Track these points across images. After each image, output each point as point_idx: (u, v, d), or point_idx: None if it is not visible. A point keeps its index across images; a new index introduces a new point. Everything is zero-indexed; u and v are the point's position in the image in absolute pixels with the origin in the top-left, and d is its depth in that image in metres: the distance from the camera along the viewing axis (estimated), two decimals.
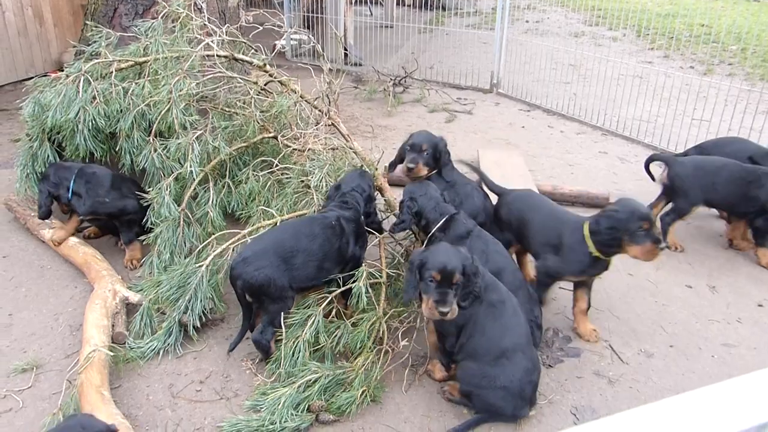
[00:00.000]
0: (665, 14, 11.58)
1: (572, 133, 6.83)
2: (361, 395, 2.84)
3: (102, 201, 3.86)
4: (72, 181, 3.85)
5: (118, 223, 3.99)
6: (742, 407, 0.79)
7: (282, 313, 3.03)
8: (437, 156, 3.87)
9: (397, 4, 11.78)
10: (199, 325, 3.25)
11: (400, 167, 3.96)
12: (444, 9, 12.77)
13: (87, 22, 4.66)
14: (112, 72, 4.00)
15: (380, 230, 3.59)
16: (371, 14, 12.06)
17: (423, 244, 3.53)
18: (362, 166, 4.01)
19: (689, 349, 3.42)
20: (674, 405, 0.80)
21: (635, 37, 11.15)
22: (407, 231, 4.00)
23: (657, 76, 7.32)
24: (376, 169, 4.08)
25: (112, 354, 2.97)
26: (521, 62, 8.18)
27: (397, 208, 3.98)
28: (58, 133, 4.01)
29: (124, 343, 3.17)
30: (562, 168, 5.81)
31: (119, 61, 4.06)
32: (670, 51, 10.15)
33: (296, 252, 3.07)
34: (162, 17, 4.20)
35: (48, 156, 4.11)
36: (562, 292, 3.86)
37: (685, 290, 3.95)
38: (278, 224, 3.50)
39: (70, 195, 3.85)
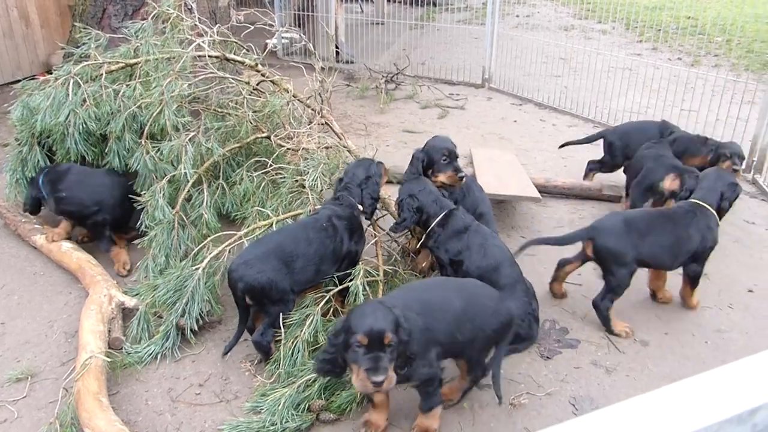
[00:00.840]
0: (653, 7, 11.62)
1: (564, 126, 6.84)
2: (360, 393, 2.84)
3: (61, 196, 3.81)
4: (41, 181, 3.83)
5: (86, 229, 3.94)
6: (735, 393, 0.80)
7: (282, 314, 3.03)
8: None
9: (388, 0, 11.76)
10: (196, 328, 3.23)
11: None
12: (434, 5, 12.76)
13: (75, 23, 4.63)
14: (102, 74, 3.97)
15: (368, 215, 3.53)
16: (362, 11, 12.03)
17: (419, 242, 3.54)
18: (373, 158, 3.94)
19: (683, 336, 3.45)
20: (669, 393, 0.81)
21: (624, 29, 11.19)
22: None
23: (646, 68, 7.34)
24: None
25: (109, 360, 2.95)
26: (512, 57, 8.19)
27: (392, 206, 3.99)
28: (48, 137, 3.98)
29: (121, 349, 3.14)
30: (555, 161, 5.83)
31: (109, 63, 4.04)
32: (658, 43, 10.19)
33: (296, 256, 3.08)
34: (152, 18, 4.17)
35: (38, 161, 4.07)
36: None
37: (678, 278, 3.96)
38: (275, 228, 3.49)
39: (45, 194, 3.83)
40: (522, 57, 8.11)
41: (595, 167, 5.28)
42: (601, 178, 5.32)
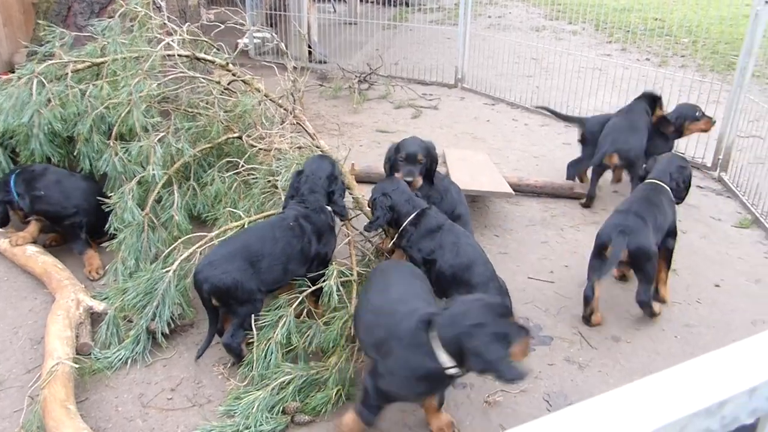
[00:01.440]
0: (621, 8, 11.79)
1: (536, 125, 6.90)
2: (335, 394, 2.82)
3: (38, 195, 3.73)
4: (12, 182, 3.74)
5: (62, 231, 3.87)
6: (704, 386, 0.82)
7: (252, 315, 3.00)
8: (431, 163, 3.82)
9: (361, 0, 11.74)
10: (167, 332, 3.17)
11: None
12: (407, 5, 12.77)
13: (39, 21, 4.52)
14: (67, 73, 3.88)
15: (343, 215, 3.51)
16: (335, 11, 11.99)
17: (392, 241, 3.53)
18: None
19: (653, 332, 3.51)
20: (640, 388, 0.82)
21: (594, 30, 11.33)
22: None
23: (615, 68, 7.44)
24: (343, 166, 4.05)
25: (77, 366, 2.88)
26: (485, 57, 8.23)
27: (366, 206, 3.97)
28: (11, 138, 3.88)
29: (90, 354, 3.07)
30: (527, 160, 5.87)
31: (75, 62, 3.95)
32: (627, 44, 10.34)
33: (262, 256, 3.03)
34: (119, 16, 4.09)
35: (0, 162, 3.97)
36: (531, 281, 3.91)
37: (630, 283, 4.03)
38: (242, 228, 3.45)
39: (15, 196, 3.74)
40: (494, 57, 8.16)
41: (575, 169, 5.31)
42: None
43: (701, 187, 5.40)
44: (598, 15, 10.82)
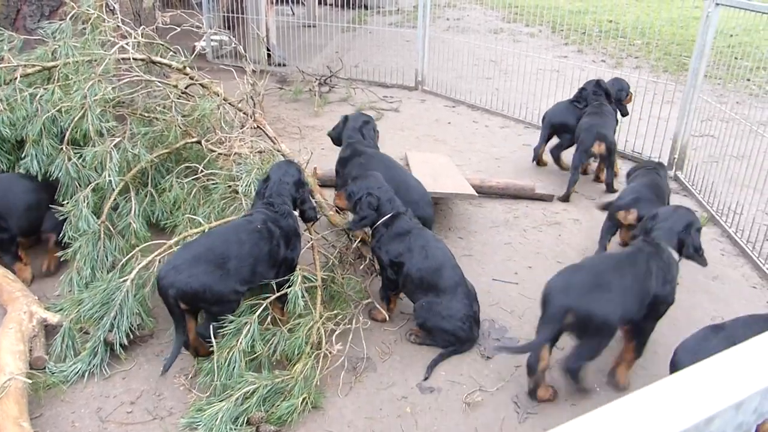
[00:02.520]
0: (576, 11, 12.03)
1: (496, 127, 6.96)
2: (301, 403, 2.78)
3: None
4: None
5: None
6: (691, 402, 0.81)
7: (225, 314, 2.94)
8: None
9: (319, 3, 11.68)
10: (126, 343, 3.08)
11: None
12: (366, 8, 12.76)
13: None
14: (16, 77, 3.74)
15: (314, 219, 3.50)
16: (293, 14, 11.90)
17: (354, 243, 3.51)
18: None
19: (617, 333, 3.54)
20: (625, 405, 0.81)
21: (550, 33, 11.52)
22: (339, 232, 3.97)
23: (572, 70, 7.56)
24: (306, 170, 4.01)
25: (30, 381, 2.76)
26: (444, 59, 8.27)
27: (328, 210, 3.94)
28: None
29: (44, 368, 2.95)
30: (489, 162, 5.92)
31: (24, 65, 3.81)
32: (583, 46, 10.55)
33: (227, 258, 2.97)
34: (71, 19, 3.96)
35: None
36: (496, 284, 3.93)
37: None
38: (205, 232, 3.38)
39: None
40: (454, 59, 8.21)
41: (557, 151, 5.71)
42: (535, 178, 5.43)
43: None
44: (554, 17, 11.02)
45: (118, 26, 4.12)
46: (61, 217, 3.55)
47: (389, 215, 3.37)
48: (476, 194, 4.62)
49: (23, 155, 3.68)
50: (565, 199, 5.17)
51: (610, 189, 5.33)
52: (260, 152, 4.11)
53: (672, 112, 5.88)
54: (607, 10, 11.98)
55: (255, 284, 3.13)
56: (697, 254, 3.15)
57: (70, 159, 3.63)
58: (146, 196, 3.87)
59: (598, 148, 5.12)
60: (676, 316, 3.69)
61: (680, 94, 5.79)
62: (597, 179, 5.57)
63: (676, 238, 3.12)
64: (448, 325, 3.21)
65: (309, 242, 3.58)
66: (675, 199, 5.27)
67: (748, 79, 7.40)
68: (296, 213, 3.41)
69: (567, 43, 10.78)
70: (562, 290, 2.88)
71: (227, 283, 2.95)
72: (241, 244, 3.04)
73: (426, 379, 3.10)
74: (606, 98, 5.56)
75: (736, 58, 6.58)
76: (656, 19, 9.73)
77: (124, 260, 3.36)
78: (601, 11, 11.97)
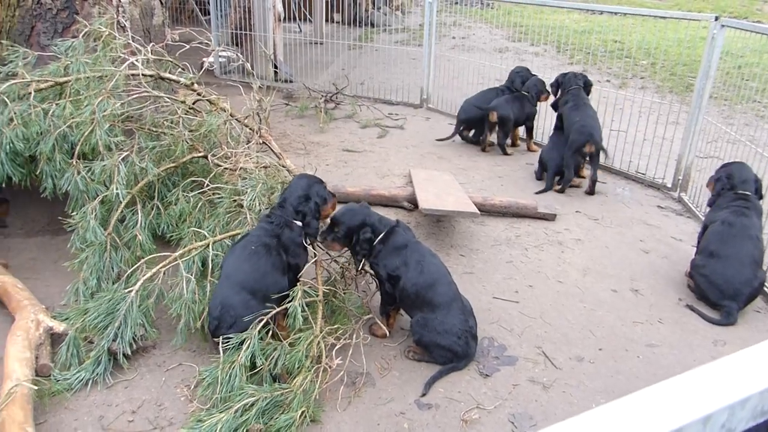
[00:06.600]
0: (582, 30, 12.12)
1: None
2: (300, 416, 2.81)
3: None
4: None
5: None
6: (667, 410, 0.83)
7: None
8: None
9: (326, 20, 11.83)
10: (129, 353, 3.13)
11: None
12: (373, 26, 12.92)
13: (2, 40, 4.45)
14: (30, 93, 3.83)
15: (312, 236, 3.52)
16: (300, 31, 12.05)
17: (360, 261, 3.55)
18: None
19: (617, 351, 3.56)
20: (604, 412, 0.84)
21: (555, 52, 11.61)
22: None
23: None
24: None
25: (36, 388, 2.81)
26: (450, 77, 8.36)
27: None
28: None
29: (49, 376, 3.01)
30: (492, 180, 5.97)
31: (38, 81, 3.90)
32: (588, 65, 10.63)
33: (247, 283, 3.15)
34: (83, 36, 4.06)
35: None
36: (496, 302, 3.96)
37: (611, 294, 4.12)
38: (211, 249, 3.46)
39: None
40: (459, 78, 8.30)
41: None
42: (539, 198, 5.48)
43: (662, 208, 5.55)
44: (560, 37, 11.11)
45: (128, 43, 4.21)
46: (69, 228, 3.62)
47: (384, 232, 3.42)
48: (479, 212, 4.67)
49: (38, 172, 3.76)
50: (561, 191, 5.72)
51: (593, 188, 5.69)
52: (265, 167, 4.17)
53: (677, 132, 5.91)
54: (613, 30, 12.07)
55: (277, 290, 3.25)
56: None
57: (79, 173, 3.70)
58: (152, 209, 3.94)
59: (589, 148, 5.52)
60: (678, 339, 3.71)
61: (686, 114, 5.83)
62: (578, 175, 5.88)
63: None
64: (443, 341, 3.24)
65: (313, 257, 3.63)
66: (679, 222, 5.30)
67: (756, 101, 7.42)
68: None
69: (572, 62, 10.86)
70: None
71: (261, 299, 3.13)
72: (253, 264, 3.19)
73: (424, 395, 3.12)
74: (584, 89, 6.04)
75: (744, 80, 6.62)
76: (662, 39, 9.78)
77: (129, 271, 3.42)
78: (607, 31, 12.06)
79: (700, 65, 5.39)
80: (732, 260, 3.95)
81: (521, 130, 6.93)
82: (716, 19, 5.18)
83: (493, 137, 6.75)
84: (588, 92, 6.07)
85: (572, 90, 5.98)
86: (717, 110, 7.67)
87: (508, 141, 6.80)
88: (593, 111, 5.83)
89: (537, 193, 5.69)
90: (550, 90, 6.49)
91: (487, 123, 6.58)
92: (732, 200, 4.20)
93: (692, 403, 0.86)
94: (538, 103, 6.64)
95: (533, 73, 6.86)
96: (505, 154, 6.65)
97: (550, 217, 5.17)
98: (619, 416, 0.82)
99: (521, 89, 6.67)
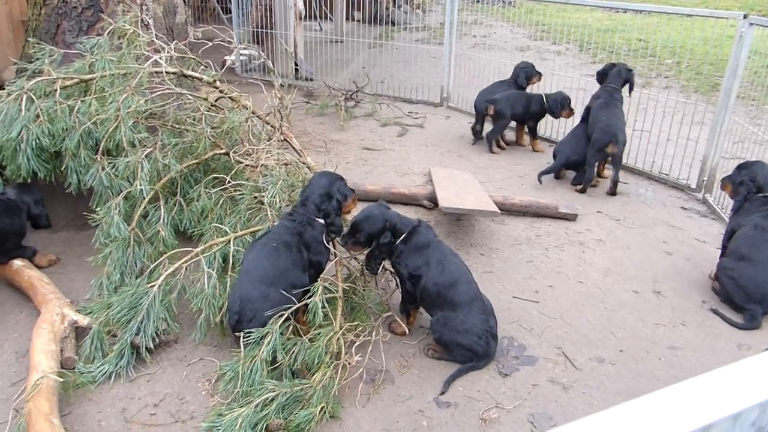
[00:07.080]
0: (605, 29, 12.00)
1: None
2: (319, 412, 2.82)
3: None
4: None
5: None
6: (689, 410, 0.83)
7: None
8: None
9: (347, 19, 11.86)
10: (152, 347, 3.18)
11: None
12: (393, 24, 12.92)
13: (29, 38, 4.52)
14: (56, 90, 3.89)
15: (336, 233, 3.54)
16: (321, 29, 12.09)
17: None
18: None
19: (638, 353, 3.52)
20: (624, 411, 0.83)
21: (578, 51, 11.51)
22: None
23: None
24: None
25: (61, 380, 2.87)
26: (470, 76, 8.33)
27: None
28: None
29: (74, 368, 3.06)
30: (512, 179, 5.94)
31: (63, 78, 3.96)
32: None
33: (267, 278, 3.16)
34: (108, 34, 4.11)
35: None
36: (516, 301, 3.94)
37: (633, 295, 4.08)
38: (232, 245, 3.49)
39: None
40: (480, 76, 8.26)
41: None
42: (559, 197, 5.44)
43: (686, 209, 5.48)
44: (582, 35, 11.01)
45: (152, 41, 4.26)
46: (94, 224, 3.68)
47: (407, 231, 3.42)
48: (499, 211, 4.65)
49: (63, 168, 3.83)
50: (583, 191, 5.69)
51: (614, 189, 5.64)
52: (286, 164, 4.20)
53: (702, 133, 5.83)
54: (637, 29, 11.93)
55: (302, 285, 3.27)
56: None
57: (103, 169, 3.76)
58: (175, 205, 3.98)
59: (612, 149, 5.49)
60: (701, 342, 3.66)
61: (711, 115, 5.74)
62: (599, 175, 5.91)
63: None
64: (464, 340, 3.24)
65: (334, 255, 3.64)
66: (702, 223, 5.23)
67: None
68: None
69: (594, 61, 10.75)
70: None
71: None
72: (274, 260, 3.22)
73: (443, 393, 3.12)
74: (622, 85, 5.89)
75: None
76: (688, 38, 9.64)
77: (152, 266, 3.46)
78: (631, 29, 11.92)
79: (727, 64, 5.30)
80: (763, 265, 3.89)
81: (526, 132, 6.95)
82: (745, 17, 5.09)
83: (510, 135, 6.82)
84: (631, 89, 5.95)
85: (608, 87, 5.86)
86: (744, 110, 7.55)
87: (515, 139, 6.94)
88: (622, 113, 5.72)
89: (540, 174, 5.80)
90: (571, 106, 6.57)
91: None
92: (762, 204, 4.11)
93: (723, 400, 0.85)
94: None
95: (555, 71, 6.90)
96: (491, 151, 6.65)
97: (571, 217, 5.13)
98: (651, 411, 0.82)
99: (525, 85, 6.85)
